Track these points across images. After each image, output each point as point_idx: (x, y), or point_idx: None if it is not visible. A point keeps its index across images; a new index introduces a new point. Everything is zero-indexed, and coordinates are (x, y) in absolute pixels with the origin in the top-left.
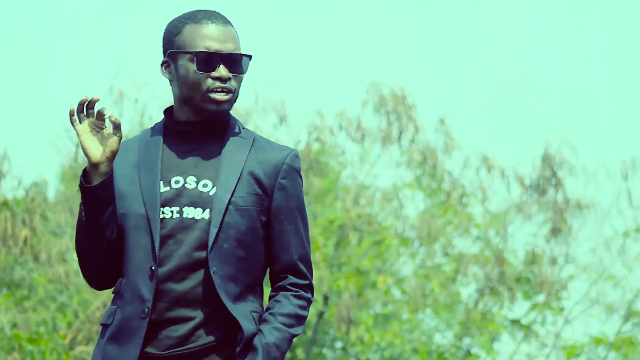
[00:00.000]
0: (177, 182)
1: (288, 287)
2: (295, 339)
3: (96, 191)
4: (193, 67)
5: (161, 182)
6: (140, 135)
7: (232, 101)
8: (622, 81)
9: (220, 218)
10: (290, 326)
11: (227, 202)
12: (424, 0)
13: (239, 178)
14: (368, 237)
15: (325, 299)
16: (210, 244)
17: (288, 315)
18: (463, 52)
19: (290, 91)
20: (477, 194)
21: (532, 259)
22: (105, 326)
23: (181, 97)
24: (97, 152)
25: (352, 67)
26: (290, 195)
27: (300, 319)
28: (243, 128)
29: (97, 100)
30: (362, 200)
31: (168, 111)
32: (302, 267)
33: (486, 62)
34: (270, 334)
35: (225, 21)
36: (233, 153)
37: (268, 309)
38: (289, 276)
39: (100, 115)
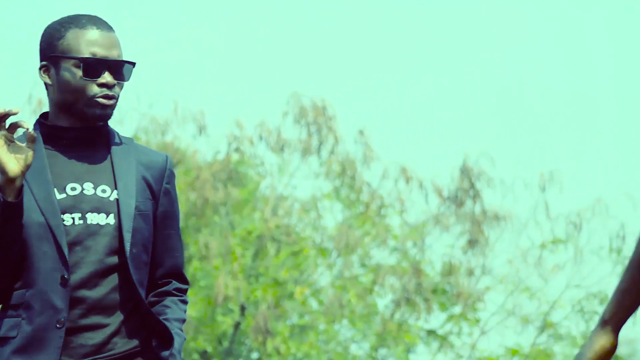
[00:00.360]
0: (73, 189)
1: (174, 292)
2: (211, 350)
3: (17, 206)
4: (79, 72)
5: (55, 189)
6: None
7: (114, 107)
8: (538, 94)
9: (131, 223)
10: (182, 331)
11: (133, 207)
12: (343, 13)
13: (136, 183)
14: (286, 247)
15: (242, 309)
16: (127, 249)
17: (180, 320)
18: (382, 64)
19: (210, 101)
20: (396, 205)
21: (449, 270)
22: (5, 339)
23: (63, 103)
24: (15, 166)
25: (273, 78)
26: (173, 200)
27: (184, 323)
28: (119, 134)
29: (15, 113)
30: (281, 210)
31: (43, 117)
32: (183, 272)
33: (405, 74)
34: (175, 341)
35: (108, 27)
36: (122, 159)
37: (159, 314)
38: (173, 281)
39: (14, 128)
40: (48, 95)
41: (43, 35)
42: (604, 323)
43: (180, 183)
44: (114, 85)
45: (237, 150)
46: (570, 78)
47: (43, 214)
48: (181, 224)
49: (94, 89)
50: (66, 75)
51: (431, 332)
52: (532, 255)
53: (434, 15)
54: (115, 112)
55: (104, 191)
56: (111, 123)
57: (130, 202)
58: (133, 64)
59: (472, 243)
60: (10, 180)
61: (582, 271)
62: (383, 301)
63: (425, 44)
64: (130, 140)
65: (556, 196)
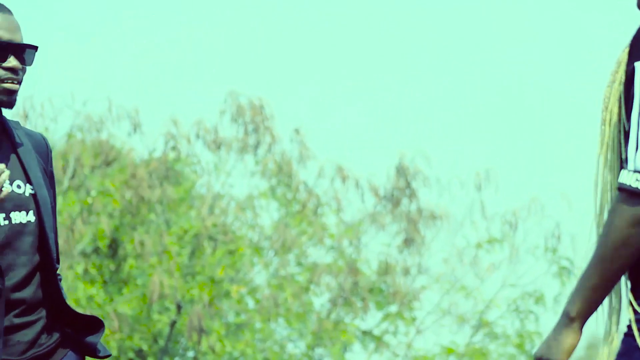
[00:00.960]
0: None
1: (59, 275)
2: (146, 348)
3: None
4: None
5: None
6: None
7: (17, 91)
8: (474, 94)
9: (51, 220)
10: None
11: (49, 202)
12: (280, 12)
13: (41, 174)
14: (222, 246)
15: (179, 308)
16: (52, 248)
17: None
18: (319, 63)
19: (146, 99)
20: (332, 204)
21: (385, 269)
22: None
23: None
24: None
25: (210, 77)
26: (54, 183)
27: None
28: (6, 119)
29: None
30: (217, 209)
31: None
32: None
33: (341, 73)
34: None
35: (9, 10)
36: (24, 148)
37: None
38: (57, 265)
39: None
40: None
41: None
42: (570, 320)
43: (115, 181)
44: (19, 69)
45: (173, 148)
46: (505, 77)
47: None
48: (116, 221)
49: (0, 73)
50: None
51: (367, 332)
52: (467, 255)
53: (370, 13)
54: (49, 109)
55: (19, 186)
56: (46, 121)
57: (45, 197)
58: (35, 48)
59: (408, 242)
60: None
61: (518, 270)
62: (319, 300)
63: (361, 42)
64: (17, 123)
65: (492, 195)
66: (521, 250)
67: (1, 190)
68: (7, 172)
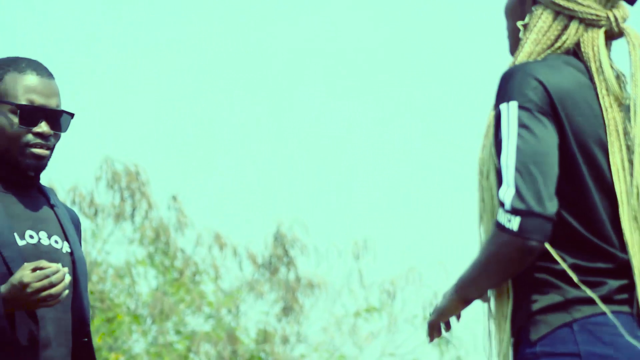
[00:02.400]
0: (31, 236)
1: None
2: None
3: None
4: (15, 119)
5: (15, 234)
6: None
7: (49, 158)
8: (350, 162)
9: (87, 281)
10: None
11: (85, 263)
12: (155, 77)
13: (78, 238)
14: (100, 314)
15: None
16: (86, 308)
17: None
18: (194, 130)
19: None
20: (210, 271)
21: (264, 337)
22: None
23: None
24: None
25: (85, 142)
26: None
27: None
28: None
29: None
30: (95, 276)
31: None
32: None
33: (217, 140)
34: None
35: (49, 74)
36: (61, 210)
37: None
38: (89, 327)
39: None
40: None
41: None
42: (454, 291)
43: None
44: (50, 135)
45: None
46: (381, 147)
47: (6, 263)
48: None
49: (29, 137)
50: (1, 120)
51: None
52: (346, 323)
53: (243, 82)
54: None
55: (56, 242)
56: None
57: (82, 257)
58: (72, 115)
59: (286, 310)
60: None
61: (397, 339)
62: None
63: (237, 109)
64: (53, 191)
65: (370, 264)
66: (400, 319)
67: (60, 294)
68: (65, 273)
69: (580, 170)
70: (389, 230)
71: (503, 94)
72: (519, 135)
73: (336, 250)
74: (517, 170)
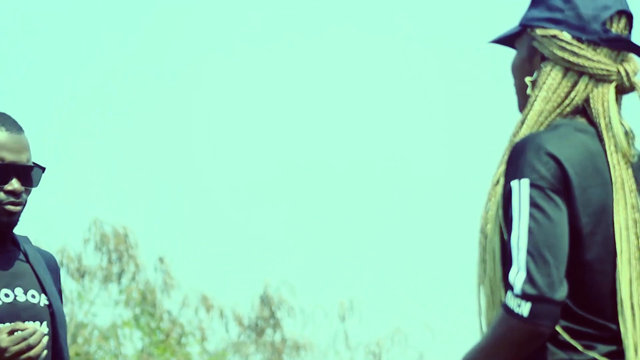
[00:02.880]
0: (6, 295)
1: None
2: None
3: None
4: None
5: None
6: None
7: (21, 213)
8: (325, 223)
9: (66, 332)
10: None
11: (63, 314)
12: (141, 137)
13: (54, 287)
14: None
15: None
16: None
17: None
18: (182, 192)
19: None
20: (196, 333)
21: None
22: None
23: None
24: None
25: (73, 204)
26: (62, 301)
27: None
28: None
29: None
30: (80, 338)
31: None
32: None
33: (204, 202)
34: None
35: (18, 128)
36: (37, 261)
37: None
38: None
39: None
40: None
41: None
42: None
43: None
44: (22, 192)
45: None
46: (359, 209)
47: None
48: None
49: (1, 196)
50: None
51: None
52: None
53: (227, 147)
54: None
55: (33, 296)
56: None
57: (60, 308)
58: (43, 169)
59: None
60: None
61: None
62: None
63: (223, 173)
64: (26, 239)
65: (356, 325)
66: None
67: (38, 356)
68: (42, 335)
69: (583, 243)
70: (375, 292)
71: (514, 169)
72: (531, 216)
73: (322, 312)
74: (529, 253)
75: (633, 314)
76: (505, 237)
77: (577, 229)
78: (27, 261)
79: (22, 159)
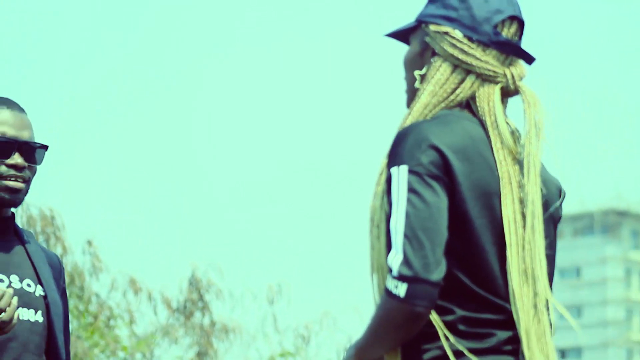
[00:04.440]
0: (1, 280)
1: None
2: None
3: None
4: None
5: None
6: None
7: (25, 192)
8: (266, 205)
9: (61, 322)
10: None
11: (60, 305)
12: (71, 119)
13: (53, 281)
14: None
15: None
16: (60, 351)
17: None
18: (106, 173)
19: None
20: (125, 316)
21: None
22: None
23: None
24: None
25: None
26: (67, 299)
27: None
28: (19, 226)
29: None
30: None
31: None
32: None
33: (134, 184)
34: None
35: (20, 108)
36: (37, 253)
37: None
38: None
39: None
40: None
41: None
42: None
43: None
44: (24, 167)
45: None
46: (285, 190)
47: None
48: None
49: (2, 169)
50: None
51: None
52: None
53: (153, 124)
54: None
55: (29, 285)
56: None
57: (56, 299)
58: (46, 147)
59: (201, 355)
60: None
61: None
62: None
63: (151, 152)
64: (31, 234)
65: (284, 309)
66: None
67: (12, 319)
68: (11, 295)
69: (472, 227)
70: (304, 275)
71: (395, 156)
72: (409, 201)
73: (251, 295)
74: (406, 236)
75: (523, 303)
76: (387, 213)
77: (464, 212)
78: (27, 252)
79: (23, 135)
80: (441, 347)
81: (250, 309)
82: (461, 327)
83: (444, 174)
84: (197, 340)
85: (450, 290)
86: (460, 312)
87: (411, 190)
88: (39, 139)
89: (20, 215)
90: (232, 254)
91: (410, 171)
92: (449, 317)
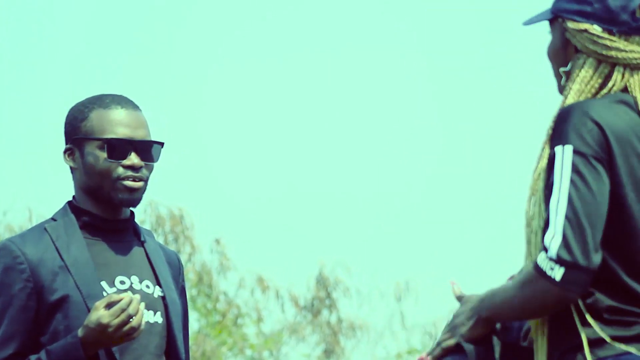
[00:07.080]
0: (122, 282)
1: None
2: None
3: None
4: (103, 154)
5: (103, 282)
6: (48, 229)
7: (144, 190)
8: (393, 203)
9: (180, 322)
10: None
11: (179, 305)
12: (198, 120)
13: (172, 281)
14: None
15: None
16: (180, 351)
17: None
18: (239, 172)
19: None
20: (252, 314)
21: None
22: None
23: (88, 187)
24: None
25: None
26: (186, 299)
27: None
28: (139, 226)
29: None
30: None
31: (73, 202)
32: None
33: (261, 183)
34: None
35: (134, 106)
36: (155, 254)
37: None
38: None
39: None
40: (73, 179)
41: (67, 117)
42: (479, 318)
43: None
44: (141, 167)
45: None
46: (422, 186)
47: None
48: None
49: (119, 171)
50: (91, 157)
51: None
52: None
53: (280, 123)
54: None
55: (147, 287)
56: None
57: (175, 299)
58: (162, 144)
59: (328, 353)
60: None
61: None
62: None
63: (276, 151)
64: (150, 233)
65: (412, 306)
66: None
67: (140, 325)
68: (139, 300)
69: (630, 213)
70: (431, 272)
71: (559, 134)
72: (572, 182)
73: (378, 292)
74: (567, 218)
75: None
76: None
77: (620, 197)
78: (145, 252)
79: (138, 134)
80: (581, 336)
81: (378, 306)
82: (606, 315)
83: (607, 155)
84: (324, 338)
85: (601, 278)
86: (607, 302)
87: (575, 171)
88: (168, 136)
89: (149, 215)
90: (360, 251)
91: (576, 152)
92: (596, 305)
